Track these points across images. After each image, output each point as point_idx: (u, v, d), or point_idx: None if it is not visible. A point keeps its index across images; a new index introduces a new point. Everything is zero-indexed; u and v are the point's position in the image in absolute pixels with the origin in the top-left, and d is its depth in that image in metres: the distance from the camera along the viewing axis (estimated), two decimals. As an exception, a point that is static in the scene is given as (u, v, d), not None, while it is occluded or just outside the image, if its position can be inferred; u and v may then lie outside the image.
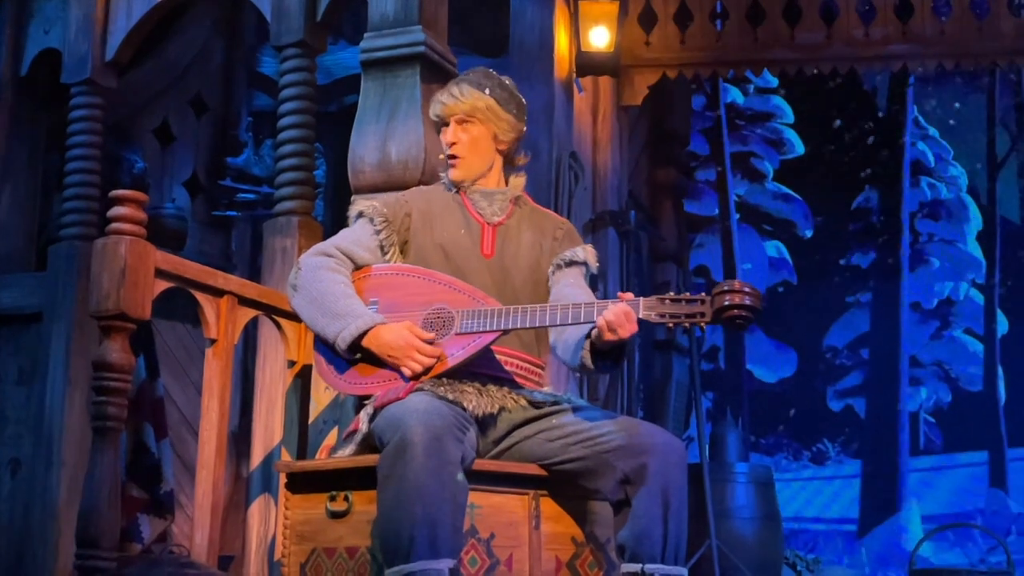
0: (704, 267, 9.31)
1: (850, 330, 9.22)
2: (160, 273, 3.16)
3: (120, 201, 3.11)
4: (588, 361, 2.89)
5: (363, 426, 2.93)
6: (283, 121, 4.36)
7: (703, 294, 2.79)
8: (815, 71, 6.65)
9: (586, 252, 3.26)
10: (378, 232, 3.16)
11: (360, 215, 3.21)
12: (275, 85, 4.59)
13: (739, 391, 9.08)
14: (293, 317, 3.56)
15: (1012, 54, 6.35)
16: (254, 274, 5.40)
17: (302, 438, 3.72)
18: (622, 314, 2.74)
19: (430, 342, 2.94)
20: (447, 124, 3.23)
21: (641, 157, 7.55)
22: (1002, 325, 9.00)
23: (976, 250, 9.18)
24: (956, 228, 9.26)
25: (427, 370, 2.92)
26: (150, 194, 5.62)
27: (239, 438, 5.52)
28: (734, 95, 9.42)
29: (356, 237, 3.18)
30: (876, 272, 9.19)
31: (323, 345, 3.05)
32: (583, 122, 6.03)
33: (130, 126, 6.00)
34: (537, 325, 2.91)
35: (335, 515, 2.90)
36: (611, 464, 2.85)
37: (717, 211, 9.31)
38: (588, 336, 2.86)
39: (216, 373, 3.38)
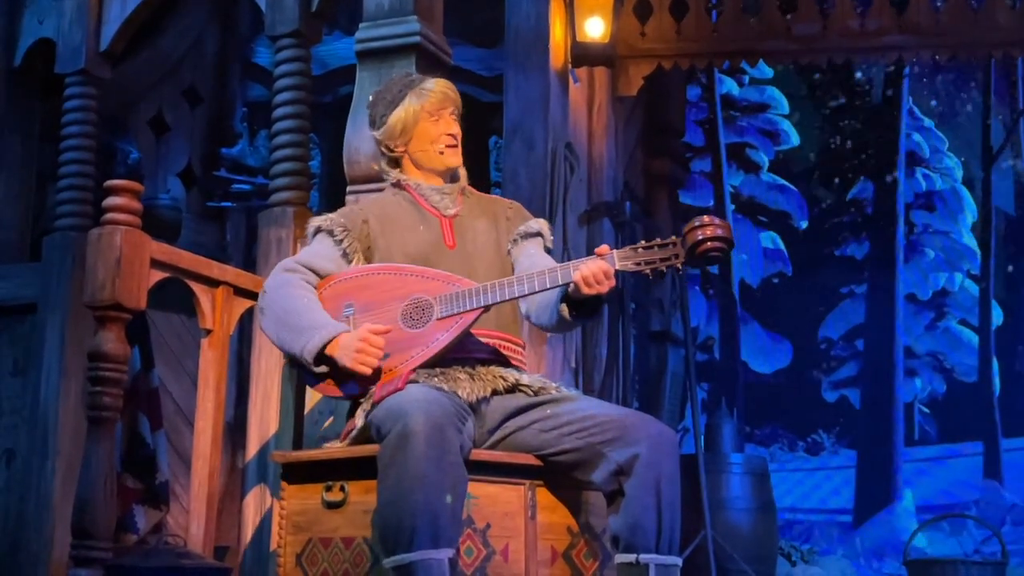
0: (699, 258, 9.31)
1: (845, 321, 9.23)
2: (155, 263, 3.16)
3: (115, 191, 3.10)
4: (566, 314, 2.95)
5: (359, 421, 2.94)
6: (278, 112, 4.36)
7: (673, 236, 2.84)
8: (811, 62, 6.65)
9: (540, 224, 3.31)
10: (339, 242, 3.16)
11: (318, 230, 3.21)
12: (270, 76, 4.58)
13: (734, 382, 9.08)
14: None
15: (1008, 45, 6.34)
16: (249, 265, 5.39)
17: (298, 428, 3.71)
18: (599, 270, 2.81)
19: (409, 330, 2.97)
20: (437, 114, 3.24)
21: (636, 148, 7.54)
22: (997, 316, 9.01)
23: (971, 241, 9.19)
24: (951, 219, 9.27)
25: (377, 373, 2.94)
26: (144, 185, 5.62)
27: (234, 428, 5.51)
28: (729, 86, 9.42)
29: (317, 251, 3.18)
30: (871, 263, 9.20)
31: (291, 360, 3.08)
32: (578, 113, 6.01)
33: (125, 117, 5.99)
34: (516, 295, 2.94)
35: (331, 505, 2.90)
36: (604, 454, 2.86)
37: (712, 202, 9.31)
38: (563, 296, 2.93)
39: (211, 363, 3.38)
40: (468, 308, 2.94)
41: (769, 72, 9.12)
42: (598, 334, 5.94)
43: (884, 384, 9.00)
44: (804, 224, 9.31)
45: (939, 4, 6.25)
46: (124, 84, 5.68)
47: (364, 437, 2.92)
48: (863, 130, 9.29)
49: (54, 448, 4.66)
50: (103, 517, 3.06)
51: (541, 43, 5.55)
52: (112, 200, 3.10)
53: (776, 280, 9.40)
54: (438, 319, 2.96)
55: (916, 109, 9.32)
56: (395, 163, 3.30)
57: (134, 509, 4.64)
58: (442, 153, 3.24)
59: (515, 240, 3.25)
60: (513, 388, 3.04)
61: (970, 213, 9.25)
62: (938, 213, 9.31)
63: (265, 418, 3.92)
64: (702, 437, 6.64)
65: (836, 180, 9.26)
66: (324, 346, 2.94)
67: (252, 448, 3.95)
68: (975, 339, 9.06)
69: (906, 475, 8.87)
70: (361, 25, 4.07)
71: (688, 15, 6.37)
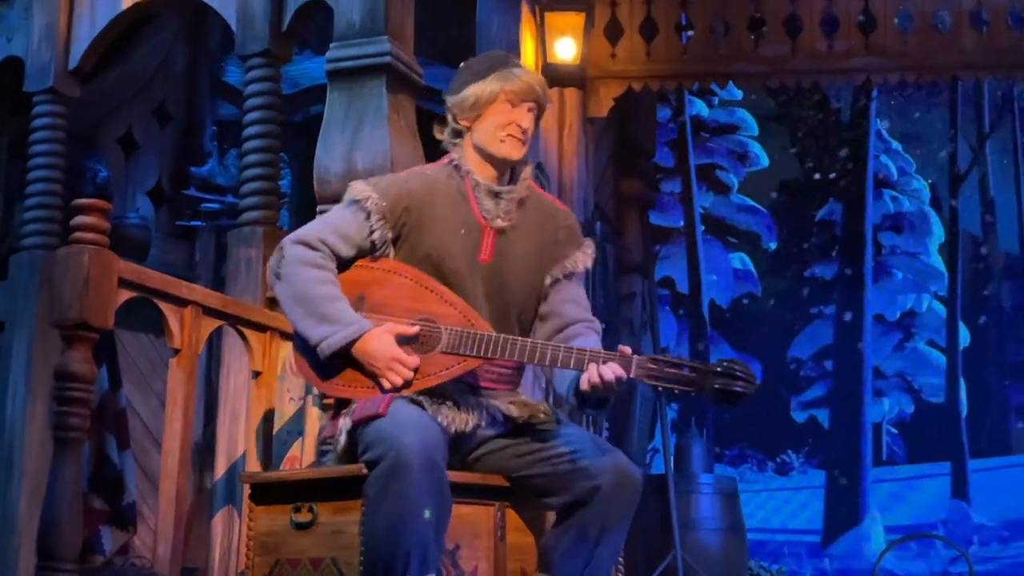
0: (669, 278, 9.33)
1: (814, 342, 9.25)
2: (123, 282, 3.14)
3: (83, 210, 3.09)
4: (573, 399, 2.88)
5: (341, 437, 2.87)
6: (248, 131, 4.36)
7: (699, 364, 2.77)
8: (779, 84, 6.70)
9: (585, 257, 3.17)
10: (372, 229, 2.99)
11: (356, 203, 3.01)
12: (240, 94, 4.59)
13: (704, 402, 9.10)
14: (257, 327, 3.54)
15: (974, 68, 6.42)
16: (218, 284, 5.37)
17: (266, 449, 3.70)
18: (613, 378, 2.74)
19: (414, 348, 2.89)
20: (519, 105, 3.05)
21: (607, 169, 7.57)
22: (964, 337, 9.06)
23: (938, 262, 9.24)
24: (919, 241, 9.32)
25: (406, 384, 2.86)
26: (113, 203, 5.60)
27: (203, 449, 5.48)
28: (699, 107, 9.46)
29: (346, 230, 3.00)
30: (840, 284, 9.24)
31: (303, 343, 2.95)
32: (549, 134, 6.03)
33: (94, 135, 5.97)
34: (526, 361, 2.87)
35: (300, 526, 2.88)
36: (568, 483, 2.86)
37: (682, 223, 9.33)
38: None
39: (179, 383, 3.36)
40: (474, 354, 2.86)
41: (738, 94, 9.17)
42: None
43: (853, 404, 9.03)
44: (774, 245, 9.35)
45: (906, 27, 6.31)
46: (93, 102, 5.66)
47: (350, 456, 2.86)
48: (832, 152, 9.34)
49: (20, 468, 4.62)
50: (69, 538, 3.03)
51: (512, 64, 5.56)
52: (80, 219, 3.08)
53: (746, 301, 9.42)
54: (442, 352, 2.88)
55: (884, 131, 9.38)
56: (457, 135, 3.11)
57: (101, 530, 4.61)
58: (503, 141, 3.04)
59: (557, 279, 3.13)
60: (495, 422, 2.99)
61: (937, 234, 9.30)
62: (906, 235, 9.36)
63: (233, 438, 3.91)
64: (672, 458, 6.66)
65: (805, 201, 9.31)
66: (347, 345, 2.87)
67: (220, 468, 3.93)
68: (943, 360, 9.11)
69: (874, 495, 8.89)
70: (332, 45, 4.08)
71: (658, 37, 6.42)
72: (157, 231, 6.11)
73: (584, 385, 2.78)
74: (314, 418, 3.79)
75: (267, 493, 2.99)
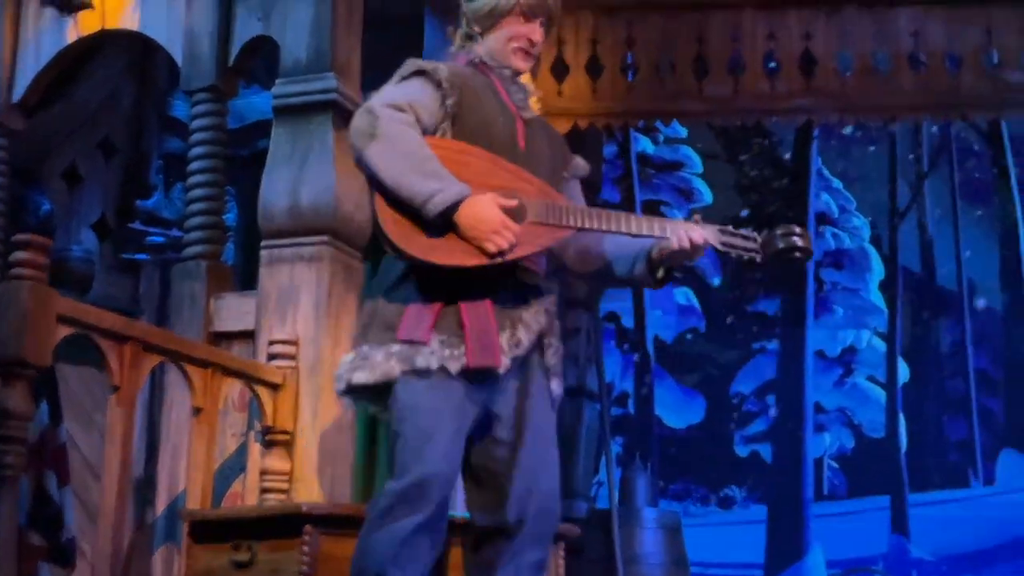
0: (615, 313, 9.40)
1: (757, 377, 9.35)
2: (62, 319, 3.12)
3: (22, 245, 3.07)
4: (647, 273, 2.90)
5: (378, 354, 2.78)
6: (193, 166, 4.36)
7: (758, 235, 2.89)
8: (723, 122, 6.80)
9: (584, 163, 3.20)
10: (446, 96, 2.87)
11: (421, 73, 2.91)
12: (187, 128, 4.58)
13: (648, 436, 9.14)
14: (199, 363, 3.53)
15: (912, 109, 6.51)
16: (162, 319, 5.33)
17: (207, 486, 3.68)
18: (701, 241, 2.83)
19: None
20: (532, 20, 3.04)
21: (553, 204, 7.61)
22: (903, 372, 9.18)
23: (878, 299, 9.39)
24: (859, 277, 9.47)
25: (509, 248, 2.73)
26: (57, 236, 5.56)
27: (144, 484, 5.44)
28: (644, 144, 9.56)
29: (423, 100, 2.87)
30: (782, 320, 9.34)
31: (396, 205, 2.76)
32: (495, 169, 6.07)
33: (38, 168, 5.92)
34: (612, 230, 2.84)
35: (239, 565, 2.89)
36: (502, 507, 2.83)
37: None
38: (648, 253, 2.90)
39: (119, 420, 3.34)
40: (563, 223, 2.80)
41: (683, 131, 9.28)
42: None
43: (794, 439, 9.12)
44: (717, 281, 9.46)
45: (846, 69, 6.41)
46: (37, 135, 5.63)
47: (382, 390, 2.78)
48: (774, 189, 9.48)
49: (-44, 505, 4.56)
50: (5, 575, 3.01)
51: (458, 100, 5.61)
52: (19, 254, 3.06)
53: (690, 336, 9.52)
54: (531, 222, 2.78)
55: (825, 170, 9.54)
56: (470, 38, 3.07)
57: (40, 567, 4.55)
58: (514, 53, 3.02)
59: (568, 178, 3.11)
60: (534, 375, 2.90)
61: (877, 271, 9.45)
62: (846, 271, 9.51)
63: (174, 475, 3.90)
64: (616, 492, 6.69)
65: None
66: (456, 204, 2.73)
67: (161, 505, 3.92)
68: (882, 395, 9.23)
69: (815, 529, 8.97)
70: (277, 81, 4.11)
71: (604, 76, 6.47)
72: (101, 264, 6.06)
73: (672, 247, 2.82)
74: (256, 454, 3.79)
75: (206, 531, 2.99)
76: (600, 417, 6.97)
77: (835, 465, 9.20)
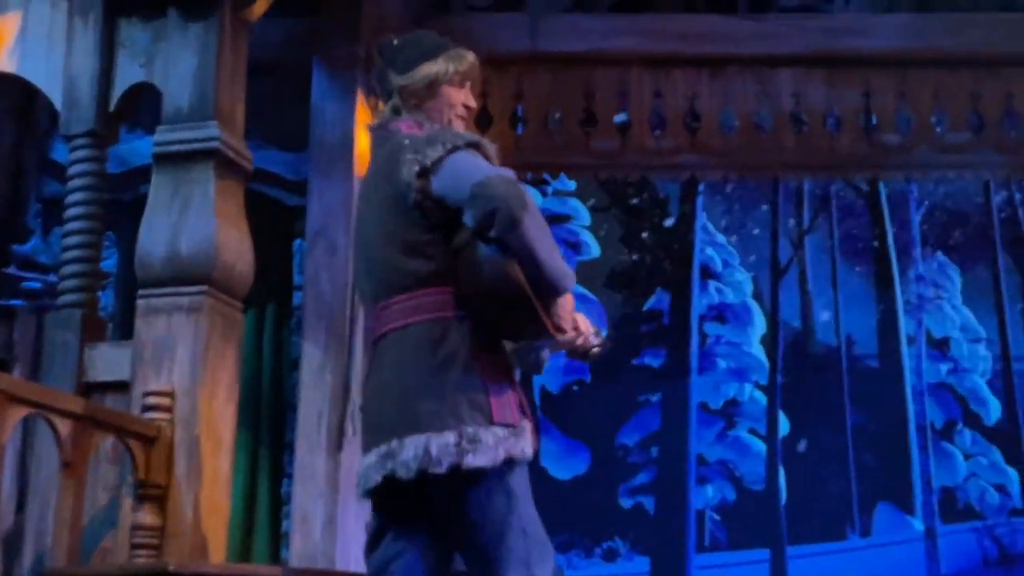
0: (504, 362, 9.40)
1: (641, 428, 9.42)
2: (-75, 369, 3.03)
3: None
4: None
5: (502, 452, 2.81)
6: (69, 212, 4.26)
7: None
8: (609, 176, 6.88)
9: None
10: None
11: (476, 146, 2.98)
12: (67, 172, 4.49)
13: (533, 487, 9.11)
14: (69, 416, 3.44)
15: (793, 167, 6.68)
16: (36, 367, 5.20)
17: (73, 543, 3.58)
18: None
19: None
20: (464, 84, 3.15)
21: (442, 254, 7.61)
22: (783, 426, 9.34)
23: (760, 353, 9.53)
24: (741, 331, 9.61)
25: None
26: (-73, 280, 5.40)
27: (13, 537, 5.27)
28: (533, 196, 9.63)
29: None
30: (667, 372, 9.45)
31: (538, 272, 2.83)
32: (382, 219, 6.05)
33: (-91, 210, 5.76)
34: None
35: (103, 624, 2.81)
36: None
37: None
38: None
39: (-17, 474, 3.24)
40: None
41: (571, 184, 9.37)
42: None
43: (677, 491, 9.20)
44: (603, 333, 9.52)
45: (730, 127, 6.54)
46: (-91, 176, 5.48)
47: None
48: (660, 243, 9.60)
49: None
50: None
51: (346, 150, 5.60)
52: None
53: (576, 387, 9.56)
54: None
55: (710, 225, 9.69)
56: (397, 112, 3.12)
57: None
58: (456, 119, 3.13)
59: None
60: None
61: (759, 326, 9.61)
62: (729, 325, 9.65)
63: (42, 529, 3.79)
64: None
65: (634, 291, 9.52)
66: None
67: (27, 559, 3.80)
68: (763, 448, 9.36)
69: (698, 581, 9.06)
70: (159, 128, 4.06)
71: (493, 127, 6.51)
72: (-26, 310, 5.90)
73: None
74: (127, 509, 3.70)
75: (71, 589, 2.90)
76: (485, 468, 6.93)
77: (717, 517, 9.29)
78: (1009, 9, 6.37)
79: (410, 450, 2.75)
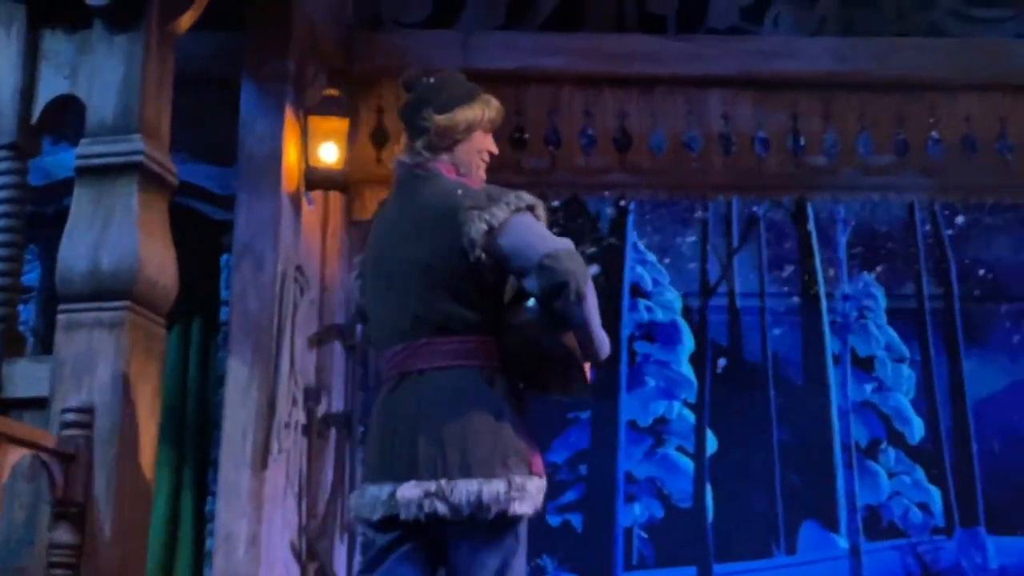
0: (430, 382, 9.36)
1: (569, 446, 9.42)
2: None
3: None
4: None
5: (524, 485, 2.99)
6: (-10, 224, 4.19)
7: None
8: (540, 194, 6.88)
9: None
10: None
11: (531, 209, 3.15)
12: (-13, 185, 4.40)
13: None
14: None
15: (722, 188, 6.74)
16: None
17: (-12, 561, 3.51)
18: None
19: None
20: (491, 131, 3.32)
21: (371, 270, 7.57)
22: (711, 444, 9.40)
23: (689, 371, 9.58)
24: (670, 350, 9.66)
25: None
26: None
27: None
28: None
29: None
30: (596, 390, 9.47)
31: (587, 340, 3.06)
32: (312, 235, 6.03)
33: None
34: None
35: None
36: None
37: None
38: None
39: None
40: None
41: (502, 201, 9.37)
42: (323, 457, 5.88)
43: (605, 509, 9.21)
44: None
45: (659, 147, 6.59)
46: None
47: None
48: (590, 261, 9.64)
49: None
50: None
51: (274, 164, 5.58)
52: None
53: (505, 405, 9.55)
54: None
55: (640, 243, 9.74)
56: (432, 149, 3.23)
57: None
58: (481, 163, 3.28)
59: None
60: None
61: (688, 344, 9.66)
62: (658, 344, 9.69)
63: (-45, 549, 3.70)
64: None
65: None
66: None
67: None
68: (691, 466, 9.41)
69: (624, 600, 9.07)
70: (82, 141, 4.00)
71: (423, 144, 6.50)
72: None
73: None
74: (43, 528, 3.64)
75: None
76: (414, 486, 6.90)
77: (644, 535, 9.31)
78: (934, 34, 6.50)
79: (462, 494, 2.92)
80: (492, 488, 2.91)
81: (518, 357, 3.02)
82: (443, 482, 2.92)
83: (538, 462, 3.04)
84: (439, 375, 3.03)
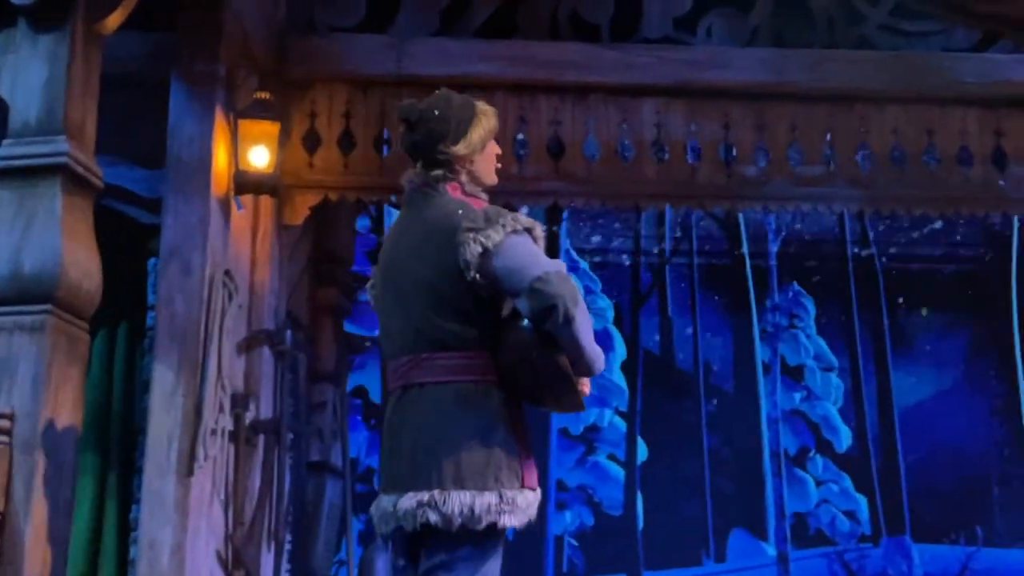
0: (362, 387, 9.32)
1: (501, 454, 9.44)
2: None
3: None
4: None
5: (513, 498, 3.06)
6: (-92, 226, 4.09)
7: None
8: (474, 201, 6.85)
9: None
10: None
11: (528, 232, 3.18)
12: (-96, 186, 4.31)
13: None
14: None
15: (655, 196, 6.75)
16: None
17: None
18: None
19: None
20: (495, 136, 3.40)
21: (303, 276, 7.50)
22: (642, 452, 9.44)
23: (620, 379, 9.62)
24: (603, 357, 9.71)
25: None
26: None
27: None
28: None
29: None
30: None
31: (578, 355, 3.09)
32: (241, 240, 5.96)
33: None
34: None
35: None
36: None
37: (378, 332, 9.38)
38: None
39: None
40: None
41: (436, 208, 9.36)
42: (251, 464, 5.82)
43: (536, 517, 9.21)
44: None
45: (593, 155, 6.59)
46: None
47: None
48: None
49: None
50: None
51: (203, 168, 5.51)
52: None
53: (435, 412, 9.53)
54: None
55: (573, 251, 9.77)
56: (454, 173, 3.31)
57: None
58: (492, 172, 3.40)
59: None
60: None
61: (620, 352, 9.69)
62: (591, 351, 9.73)
63: None
64: (356, 570, 6.58)
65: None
66: None
67: None
68: (622, 474, 9.44)
69: (554, 608, 9.09)
70: (5, 142, 3.93)
71: (356, 149, 6.46)
72: None
73: None
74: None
75: None
76: (343, 493, 6.87)
77: (575, 543, 9.33)
78: (864, 47, 6.57)
79: (455, 505, 2.97)
80: (484, 500, 2.99)
81: (513, 373, 3.09)
82: (436, 492, 2.99)
83: (531, 475, 3.11)
84: (438, 389, 3.10)
